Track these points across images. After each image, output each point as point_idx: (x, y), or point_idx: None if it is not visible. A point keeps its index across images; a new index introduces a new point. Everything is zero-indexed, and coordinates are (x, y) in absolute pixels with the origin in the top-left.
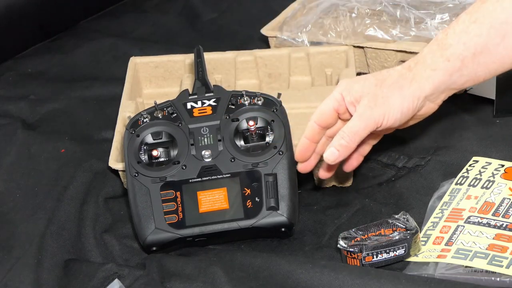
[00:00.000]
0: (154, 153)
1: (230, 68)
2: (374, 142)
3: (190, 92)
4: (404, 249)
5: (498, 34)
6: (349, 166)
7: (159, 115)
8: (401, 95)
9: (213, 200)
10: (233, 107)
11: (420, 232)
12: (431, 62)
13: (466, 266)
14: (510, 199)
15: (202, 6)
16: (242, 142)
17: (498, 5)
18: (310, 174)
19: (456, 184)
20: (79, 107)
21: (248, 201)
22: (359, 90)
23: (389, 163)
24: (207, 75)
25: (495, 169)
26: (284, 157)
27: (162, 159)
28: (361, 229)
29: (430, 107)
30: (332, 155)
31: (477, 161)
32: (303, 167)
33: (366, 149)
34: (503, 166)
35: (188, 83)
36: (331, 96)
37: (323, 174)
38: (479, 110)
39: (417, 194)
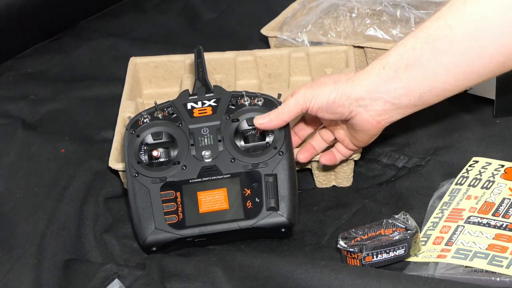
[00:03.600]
0: (154, 153)
1: (230, 68)
2: (328, 136)
3: (191, 93)
4: (404, 249)
5: (430, 50)
6: (301, 157)
7: (159, 115)
8: (333, 87)
9: (213, 200)
10: (233, 107)
11: (420, 232)
12: (369, 68)
13: (466, 266)
14: (510, 199)
15: (202, 6)
16: (242, 143)
17: (435, 23)
18: (310, 174)
19: (456, 184)
20: (79, 107)
21: (248, 201)
22: (315, 79)
23: (389, 163)
24: (207, 76)
25: (495, 169)
26: (284, 157)
27: (162, 160)
28: (361, 229)
29: (366, 120)
30: (262, 119)
31: (477, 161)
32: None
33: (319, 141)
34: (503, 166)
35: (188, 83)
36: None
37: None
38: (479, 110)
39: (417, 194)
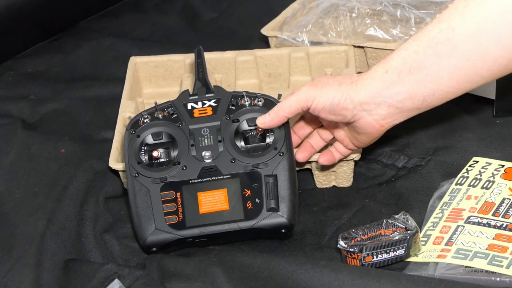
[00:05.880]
0: (155, 153)
1: (230, 68)
2: (326, 135)
3: (191, 93)
4: (404, 249)
5: (433, 53)
6: (299, 157)
7: (160, 115)
8: (337, 89)
9: (213, 201)
10: (234, 108)
11: (420, 232)
12: (372, 72)
13: (466, 266)
14: (510, 199)
15: (202, 6)
16: (242, 143)
17: (437, 26)
18: (310, 174)
19: (456, 184)
20: (79, 107)
21: (248, 202)
22: (316, 79)
23: (389, 163)
24: (208, 76)
25: (495, 169)
26: (285, 158)
27: (162, 160)
28: (361, 229)
29: (370, 123)
30: (263, 119)
31: (477, 161)
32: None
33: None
34: (503, 166)
35: (188, 83)
36: None
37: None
38: (479, 110)
39: (417, 194)
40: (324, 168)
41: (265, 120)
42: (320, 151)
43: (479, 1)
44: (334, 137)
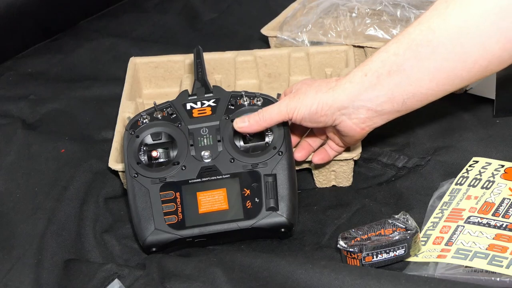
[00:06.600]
0: (154, 154)
1: (230, 68)
2: (317, 140)
3: (190, 93)
4: (404, 249)
5: (413, 55)
6: (298, 155)
7: (159, 115)
8: (314, 97)
9: (212, 200)
10: (233, 107)
11: (420, 232)
12: (351, 75)
13: (466, 266)
14: (510, 199)
15: (202, 6)
16: (241, 143)
17: (418, 27)
18: (310, 174)
19: (456, 184)
20: (79, 107)
21: (248, 201)
22: (297, 85)
23: (389, 163)
24: (207, 76)
25: (495, 169)
26: (284, 157)
27: (161, 160)
28: (361, 229)
29: (350, 127)
30: (242, 122)
31: (477, 161)
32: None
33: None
34: (503, 166)
35: (188, 83)
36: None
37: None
38: (479, 110)
39: (417, 194)
40: (318, 166)
41: (243, 125)
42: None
43: (460, 3)
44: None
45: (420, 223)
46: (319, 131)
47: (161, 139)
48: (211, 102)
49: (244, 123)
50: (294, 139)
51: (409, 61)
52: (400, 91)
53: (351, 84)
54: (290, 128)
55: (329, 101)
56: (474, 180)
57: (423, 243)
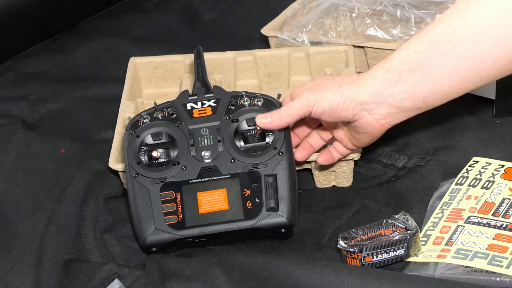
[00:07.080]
0: (154, 154)
1: (230, 68)
2: (324, 135)
3: (190, 93)
4: (404, 249)
5: (434, 53)
6: (298, 156)
7: (159, 115)
8: (337, 91)
9: (213, 201)
10: (233, 108)
11: (420, 232)
12: (373, 71)
13: (466, 266)
14: (510, 199)
15: (202, 6)
16: (242, 143)
17: (438, 26)
18: (310, 174)
19: (456, 184)
20: (79, 107)
21: (248, 202)
22: (315, 81)
23: (389, 163)
24: (207, 76)
25: (495, 169)
26: (284, 158)
27: (162, 160)
28: (361, 229)
29: (370, 123)
30: (264, 118)
31: (477, 162)
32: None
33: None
34: (503, 166)
35: (188, 84)
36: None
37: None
38: (479, 110)
39: (417, 194)
40: (322, 168)
41: (266, 121)
42: (319, 150)
43: (481, 2)
44: (333, 136)
45: (420, 223)
46: (330, 126)
47: (161, 139)
48: (211, 102)
49: (267, 119)
50: (295, 139)
51: (429, 59)
52: (421, 88)
53: (373, 80)
54: (292, 128)
55: (352, 95)
56: (474, 180)
57: (423, 243)
